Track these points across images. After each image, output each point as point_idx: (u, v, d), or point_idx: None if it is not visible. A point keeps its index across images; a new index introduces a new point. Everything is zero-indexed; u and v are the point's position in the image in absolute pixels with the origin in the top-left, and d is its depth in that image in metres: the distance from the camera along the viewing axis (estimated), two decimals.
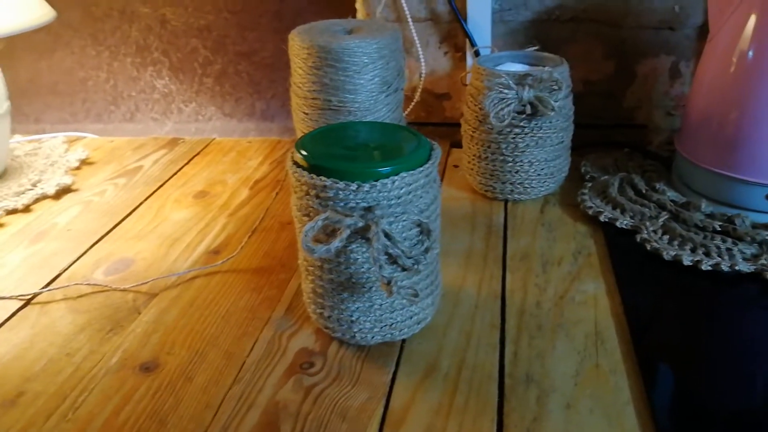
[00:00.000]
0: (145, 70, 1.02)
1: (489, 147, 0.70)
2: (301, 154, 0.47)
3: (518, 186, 0.71)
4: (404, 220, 0.46)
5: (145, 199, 0.78)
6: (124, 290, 0.60)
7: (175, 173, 0.84)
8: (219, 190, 0.79)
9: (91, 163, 0.88)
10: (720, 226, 0.61)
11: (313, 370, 0.49)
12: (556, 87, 0.67)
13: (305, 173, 0.46)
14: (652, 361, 0.48)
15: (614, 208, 0.67)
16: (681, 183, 0.69)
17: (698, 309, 0.54)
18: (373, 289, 0.48)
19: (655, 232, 0.62)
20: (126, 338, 0.53)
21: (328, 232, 0.46)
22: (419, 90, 0.87)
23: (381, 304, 0.48)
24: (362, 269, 0.47)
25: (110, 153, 0.92)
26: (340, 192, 0.45)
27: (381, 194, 0.45)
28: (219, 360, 0.50)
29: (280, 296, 0.58)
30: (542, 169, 0.70)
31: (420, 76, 0.87)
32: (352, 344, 0.51)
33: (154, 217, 0.73)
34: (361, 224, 0.45)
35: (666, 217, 0.63)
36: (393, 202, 0.45)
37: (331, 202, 0.45)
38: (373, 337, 0.49)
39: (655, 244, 0.60)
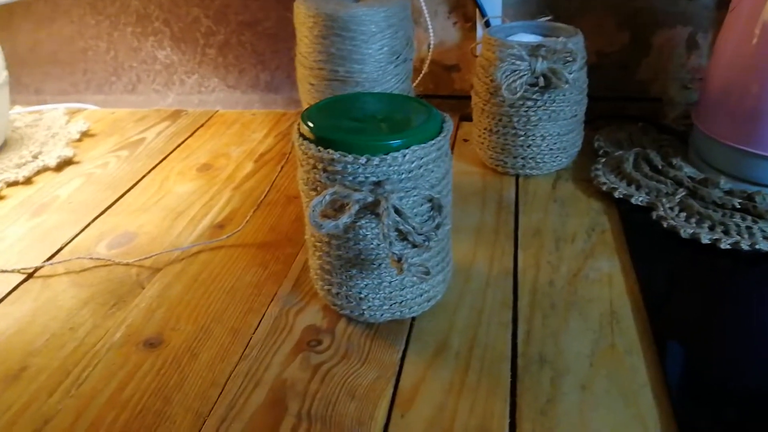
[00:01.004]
0: (146, 40, 1.00)
1: (500, 120, 0.68)
2: (308, 125, 0.46)
3: (530, 161, 0.69)
4: (415, 195, 0.44)
5: (148, 172, 0.76)
6: (127, 265, 0.58)
7: (179, 146, 0.83)
8: (223, 163, 0.78)
9: (92, 135, 0.87)
10: (739, 203, 0.59)
11: (321, 347, 0.48)
12: (570, 58, 0.64)
13: (312, 146, 0.44)
14: (670, 341, 0.46)
15: (629, 184, 0.65)
16: (698, 159, 0.67)
17: (716, 288, 0.53)
18: (383, 265, 0.46)
19: (671, 209, 0.60)
20: (130, 313, 0.52)
21: (337, 207, 0.44)
22: (428, 61, 0.85)
23: (390, 281, 0.47)
24: (371, 245, 0.45)
25: (112, 125, 0.90)
26: (349, 166, 0.43)
27: (391, 168, 0.43)
28: (225, 336, 0.49)
29: (287, 272, 0.56)
30: (555, 144, 0.68)
31: (428, 47, 0.84)
32: (361, 322, 0.50)
33: (158, 190, 0.72)
34: (370, 199, 0.43)
35: (683, 193, 0.62)
36: (403, 176, 0.44)
37: (339, 176, 0.43)
38: (382, 315, 0.48)
39: (672, 221, 0.58)
